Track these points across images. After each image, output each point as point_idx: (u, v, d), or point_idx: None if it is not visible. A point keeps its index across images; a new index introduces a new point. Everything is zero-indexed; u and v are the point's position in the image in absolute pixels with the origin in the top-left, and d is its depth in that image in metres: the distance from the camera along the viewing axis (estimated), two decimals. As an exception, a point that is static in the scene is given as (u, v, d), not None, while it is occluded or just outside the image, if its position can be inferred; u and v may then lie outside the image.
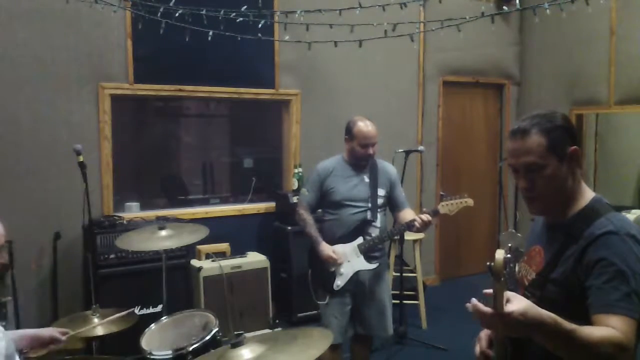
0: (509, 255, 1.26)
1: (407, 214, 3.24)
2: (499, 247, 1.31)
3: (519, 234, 1.32)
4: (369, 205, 3.15)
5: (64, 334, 2.20)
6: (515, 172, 1.58)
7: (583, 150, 5.69)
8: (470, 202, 3.19)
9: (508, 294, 1.28)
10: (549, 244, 1.59)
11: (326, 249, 3.10)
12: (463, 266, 6.26)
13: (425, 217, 3.04)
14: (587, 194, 1.57)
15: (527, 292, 1.57)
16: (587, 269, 1.44)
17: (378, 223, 3.18)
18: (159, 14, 3.35)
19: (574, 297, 1.46)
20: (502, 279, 1.22)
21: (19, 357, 1.87)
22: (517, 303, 1.26)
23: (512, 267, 1.32)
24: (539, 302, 1.46)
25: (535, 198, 1.56)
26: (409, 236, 4.50)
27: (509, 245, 1.29)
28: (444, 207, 3.16)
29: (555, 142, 1.51)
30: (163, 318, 2.73)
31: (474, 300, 1.29)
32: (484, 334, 1.64)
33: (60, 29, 4.02)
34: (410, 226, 3.10)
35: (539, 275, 1.57)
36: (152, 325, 2.63)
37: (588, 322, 1.40)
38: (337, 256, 3.08)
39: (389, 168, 3.31)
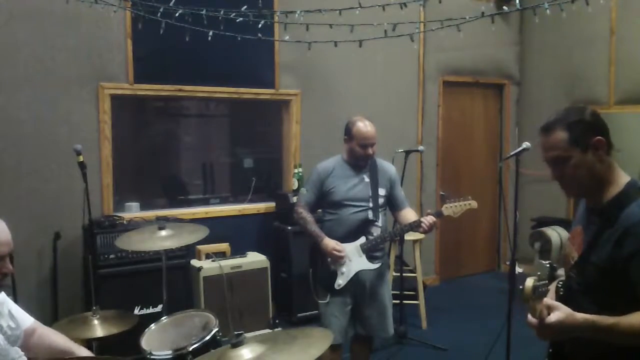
0: (538, 284, 1.48)
1: (408, 214, 3.24)
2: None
3: (546, 264, 1.52)
4: (370, 205, 3.14)
5: None
6: (547, 163, 1.72)
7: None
8: (474, 204, 3.18)
9: (552, 304, 1.51)
10: (588, 226, 1.71)
11: (330, 242, 3.07)
12: (463, 266, 6.27)
13: (431, 219, 3.04)
14: (622, 179, 1.66)
15: (571, 272, 1.71)
16: (627, 262, 1.53)
17: (380, 223, 3.18)
18: (159, 14, 3.35)
19: (614, 282, 1.55)
20: (531, 301, 1.48)
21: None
22: (556, 314, 1.49)
23: (542, 290, 1.49)
24: (582, 284, 1.67)
25: (567, 185, 1.71)
26: (409, 236, 4.50)
27: (538, 273, 1.46)
28: (448, 209, 3.15)
29: (577, 134, 1.63)
30: (163, 318, 2.72)
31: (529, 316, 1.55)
32: None
33: (60, 29, 4.02)
34: (415, 227, 3.10)
35: (580, 258, 1.68)
36: (152, 325, 2.63)
37: (629, 305, 1.50)
38: (341, 248, 3.07)
39: (388, 167, 3.29)
